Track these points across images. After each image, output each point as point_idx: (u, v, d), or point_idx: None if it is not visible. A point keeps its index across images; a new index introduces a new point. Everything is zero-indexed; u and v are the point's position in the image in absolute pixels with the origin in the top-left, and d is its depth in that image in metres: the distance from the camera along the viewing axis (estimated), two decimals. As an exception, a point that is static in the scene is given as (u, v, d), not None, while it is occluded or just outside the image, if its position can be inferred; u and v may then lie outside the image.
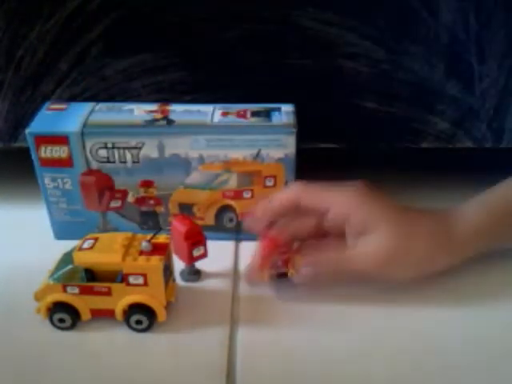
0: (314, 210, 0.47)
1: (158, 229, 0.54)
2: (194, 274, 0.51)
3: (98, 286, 0.44)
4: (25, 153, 0.52)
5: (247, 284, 0.50)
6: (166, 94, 0.59)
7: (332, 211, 0.46)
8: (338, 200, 0.46)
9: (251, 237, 0.49)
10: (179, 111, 0.54)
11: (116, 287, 0.44)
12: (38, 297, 0.45)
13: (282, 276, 0.49)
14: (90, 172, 0.53)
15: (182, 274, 0.51)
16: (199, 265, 0.51)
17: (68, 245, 0.47)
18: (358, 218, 0.45)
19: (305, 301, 0.48)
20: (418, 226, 0.47)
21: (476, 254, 0.49)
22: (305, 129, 0.51)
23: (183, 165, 0.52)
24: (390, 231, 0.45)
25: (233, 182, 0.54)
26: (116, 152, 0.52)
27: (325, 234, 0.48)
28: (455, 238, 0.47)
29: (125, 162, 0.52)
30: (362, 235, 0.45)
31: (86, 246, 0.45)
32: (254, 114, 0.53)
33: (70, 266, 0.44)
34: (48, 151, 0.51)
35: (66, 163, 0.52)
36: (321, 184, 0.47)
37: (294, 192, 0.47)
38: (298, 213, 0.48)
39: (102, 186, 0.53)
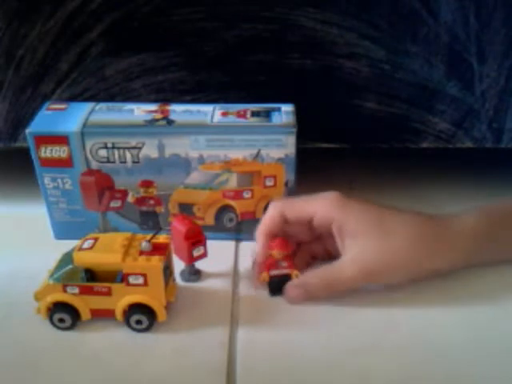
0: (300, 218, 0.48)
1: (158, 229, 0.54)
2: (194, 274, 0.51)
3: (97, 286, 0.44)
4: (25, 153, 0.52)
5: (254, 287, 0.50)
6: (166, 94, 0.59)
7: (317, 216, 0.47)
8: (320, 205, 0.47)
9: (251, 237, 0.49)
10: (179, 111, 0.54)
11: (116, 287, 0.44)
12: (38, 297, 0.45)
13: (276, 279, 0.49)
14: (89, 172, 0.53)
15: (182, 274, 0.51)
16: (199, 265, 0.51)
17: (68, 245, 0.47)
18: (342, 220, 0.46)
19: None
20: (403, 227, 0.47)
21: (478, 260, 0.49)
22: (305, 129, 0.51)
23: (183, 165, 0.52)
24: (375, 232, 0.46)
25: (233, 182, 0.54)
26: (116, 152, 0.52)
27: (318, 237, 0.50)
28: (451, 239, 0.47)
29: (125, 162, 0.52)
30: (348, 237, 0.46)
31: (86, 246, 0.45)
32: (254, 114, 0.53)
33: (69, 266, 0.44)
34: (48, 151, 0.51)
35: (65, 163, 0.52)
36: (299, 197, 0.49)
37: (278, 208, 0.48)
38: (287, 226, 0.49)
39: (101, 185, 0.53)
